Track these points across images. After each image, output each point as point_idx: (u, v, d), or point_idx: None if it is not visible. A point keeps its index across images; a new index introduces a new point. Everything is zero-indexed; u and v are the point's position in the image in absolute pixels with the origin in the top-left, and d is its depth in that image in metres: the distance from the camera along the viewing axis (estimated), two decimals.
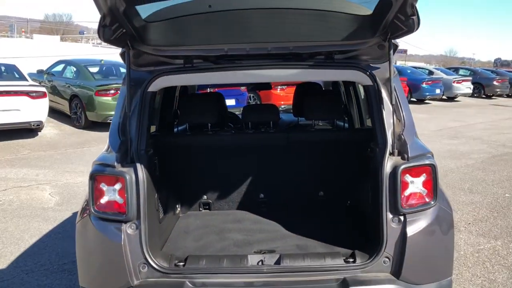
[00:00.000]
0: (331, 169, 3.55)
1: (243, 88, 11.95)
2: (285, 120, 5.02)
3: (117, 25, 2.32)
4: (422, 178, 2.57)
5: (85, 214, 2.63)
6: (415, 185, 2.57)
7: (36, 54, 20.97)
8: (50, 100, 11.54)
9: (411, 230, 2.51)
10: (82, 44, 37.74)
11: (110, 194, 2.58)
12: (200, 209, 3.65)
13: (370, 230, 2.79)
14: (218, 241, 3.01)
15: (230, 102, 11.04)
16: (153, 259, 2.47)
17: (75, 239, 2.67)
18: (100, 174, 2.55)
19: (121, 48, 2.70)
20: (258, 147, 3.55)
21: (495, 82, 25.65)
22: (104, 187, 2.55)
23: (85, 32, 48.80)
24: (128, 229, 2.51)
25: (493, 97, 25.89)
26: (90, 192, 2.55)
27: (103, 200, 2.56)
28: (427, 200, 2.56)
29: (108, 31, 2.33)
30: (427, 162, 2.56)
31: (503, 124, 15.03)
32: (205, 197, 3.63)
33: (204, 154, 3.53)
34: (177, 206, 3.51)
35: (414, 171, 2.56)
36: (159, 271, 2.51)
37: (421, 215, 2.55)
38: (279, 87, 14.11)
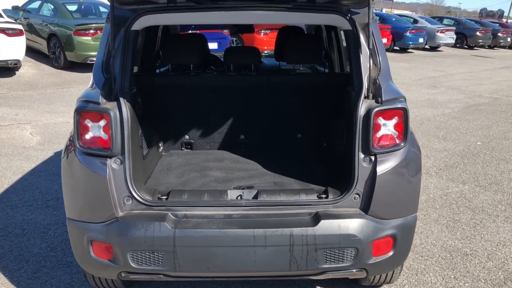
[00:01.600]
0: (309, 112, 3.67)
1: (226, 31, 11.75)
2: (267, 64, 5.07)
3: None
4: (394, 121, 2.67)
5: (71, 149, 2.70)
6: (387, 127, 2.67)
7: None
8: (27, 39, 11.24)
9: (380, 169, 2.62)
10: None
11: (95, 130, 2.62)
12: (182, 148, 3.77)
13: (343, 169, 2.94)
14: (199, 177, 3.15)
15: (212, 45, 10.88)
16: (137, 192, 2.54)
17: (61, 173, 2.76)
18: (84, 111, 2.59)
19: None
20: (240, 89, 3.64)
21: (478, 33, 25.68)
22: (89, 123, 2.60)
23: None
24: (113, 163, 2.58)
25: (475, 48, 26.05)
26: (76, 127, 2.61)
27: (88, 136, 2.61)
28: (397, 142, 2.61)
29: None
30: (399, 105, 2.66)
31: (482, 75, 15.28)
32: (187, 137, 3.73)
33: (186, 95, 3.60)
34: (160, 144, 3.61)
35: (387, 114, 2.66)
36: (143, 203, 2.61)
37: (391, 155, 2.67)
38: (262, 31, 13.92)
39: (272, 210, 2.62)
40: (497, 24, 29.05)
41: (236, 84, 3.62)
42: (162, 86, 3.52)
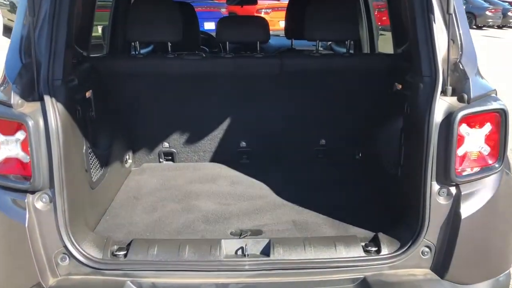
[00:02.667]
0: (338, 109, 2.64)
1: (223, 10, 10.76)
2: (274, 44, 4.02)
3: None
4: (486, 129, 1.78)
5: None
6: (474, 139, 1.78)
7: None
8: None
9: (466, 208, 1.74)
10: None
11: (6, 149, 1.74)
12: (161, 160, 2.77)
13: (400, 202, 1.97)
14: (180, 212, 2.15)
15: (209, 25, 9.93)
16: (78, 246, 1.74)
17: None
18: None
19: None
20: (239, 78, 2.60)
21: (487, 12, 24.59)
22: None
23: None
24: (37, 202, 1.71)
25: (484, 28, 24.89)
26: None
27: None
28: (489, 162, 1.80)
29: None
30: (495, 106, 1.76)
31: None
32: (166, 144, 2.72)
33: (164, 85, 2.58)
34: (127, 156, 2.60)
35: (477, 120, 1.76)
36: (88, 265, 1.73)
37: (480, 185, 1.79)
38: (263, 10, 12.91)
39: (292, 276, 1.73)
40: (507, 3, 27.92)
41: (235, 71, 2.58)
42: (128, 74, 2.51)
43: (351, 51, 2.87)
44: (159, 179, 2.54)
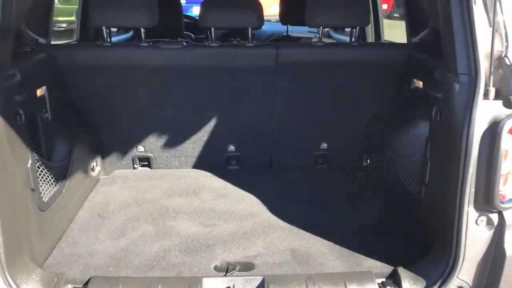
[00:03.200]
0: (343, 108, 2.25)
1: None
2: (266, 31, 3.60)
3: None
4: None
5: None
6: None
7: None
8: None
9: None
10: None
11: None
12: (135, 166, 2.36)
13: (424, 229, 1.60)
14: (154, 238, 1.76)
15: (198, 10, 9.37)
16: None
17: None
18: None
19: None
20: (227, 71, 2.19)
21: None
22: None
23: None
24: None
25: None
26: None
27: None
28: None
29: None
30: None
31: None
32: (141, 148, 2.32)
33: (137, 79, 2.17)
34: (94, 163, 2.20)
35: None
36: None
37: None
38: None
39: None
40: None
41: (221, 62, 2.17)
42: (93, 67, 2.09)
43: (354, 40, 2.48)
44: (132, 191, 2.13)
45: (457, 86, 1.42)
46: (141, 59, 2.14)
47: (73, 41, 3.04)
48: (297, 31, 3.55)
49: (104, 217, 1.91)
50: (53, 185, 1.74)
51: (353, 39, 2.27)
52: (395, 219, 1.89)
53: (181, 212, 1.95)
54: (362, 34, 3.11)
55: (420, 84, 1.86)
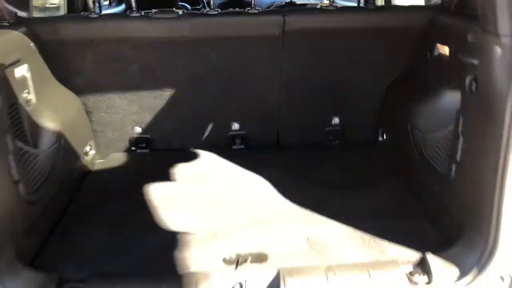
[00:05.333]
0: (357, 78, 2.07)
1: None
2: None
3: None
4: None
5: None
6: None
7: None
8: None
9: None
10: None
11: None
12: (133, 148, 2.20)
13: (456, 211, 1.45)
14: (156, 228, 1.60)
15: None
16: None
17: None
18: None
19: None
20: (228, 41, 2.00)
21: None
22: None
23: None
24: None
25: None
26: None
27: None
28: None
29: None
30: None
31: None
32: (138, 129, 2.15)
33: (130, 54, 1.98)
34: (87, 147, 2.03)
35: None
36: None
37: None
38: None
39: None
40: None
41: (222, 32, 1.98)
42: (80, 42, 1.90)
43: (364, 3, 2.28)
44: (130, 177, 1.98)
45: (498, 50, 1.24)
46: (133, 31, 1.95)
47: (61, 15, 2.84)
48: None
49: (99, 206, 1.75)
50: (40, 175, 1.57)
51: (361, 2, 2.08)
52: (419, 201, 1.74)
53: (184, 199, 1.79)
54: None
55: (444, 49, 1.67)
